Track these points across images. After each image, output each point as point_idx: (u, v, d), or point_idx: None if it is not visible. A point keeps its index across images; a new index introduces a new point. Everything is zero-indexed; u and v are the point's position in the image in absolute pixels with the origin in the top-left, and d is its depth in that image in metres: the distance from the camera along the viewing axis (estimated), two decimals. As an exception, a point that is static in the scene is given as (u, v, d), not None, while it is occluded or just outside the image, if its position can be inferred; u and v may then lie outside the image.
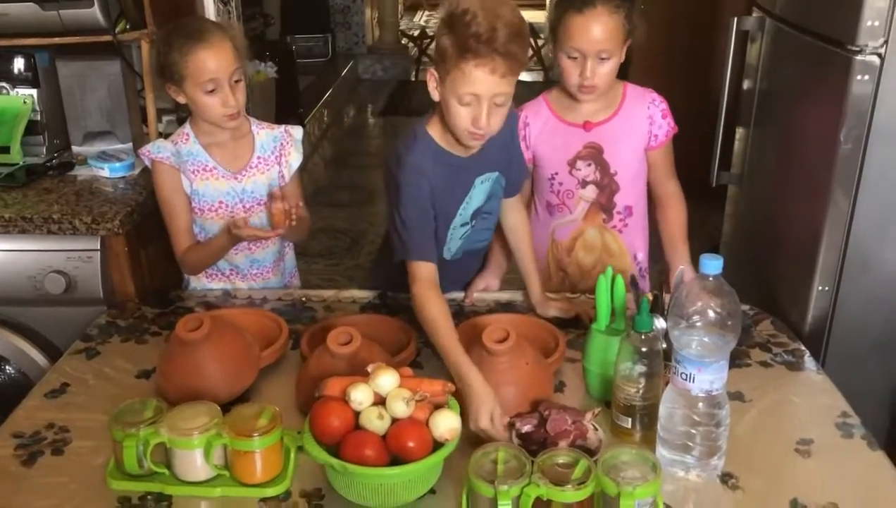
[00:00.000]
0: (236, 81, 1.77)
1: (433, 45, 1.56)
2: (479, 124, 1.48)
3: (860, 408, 1.45)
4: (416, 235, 1.57)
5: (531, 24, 8.69)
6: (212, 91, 1.75)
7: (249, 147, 1.88)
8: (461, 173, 1.65)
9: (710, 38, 2.46)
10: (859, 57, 1.73)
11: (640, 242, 1.96)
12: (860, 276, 1.82)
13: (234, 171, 1.86)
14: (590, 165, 1.86)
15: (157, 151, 1.83)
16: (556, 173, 1.89)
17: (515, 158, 1.77)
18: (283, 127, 1.93)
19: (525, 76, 7.73)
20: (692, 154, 1.84)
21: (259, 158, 1.88)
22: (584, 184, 1.88)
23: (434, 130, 1.61)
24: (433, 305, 1.50)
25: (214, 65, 1.73)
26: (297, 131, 1.93)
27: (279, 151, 1.89)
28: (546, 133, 1.88)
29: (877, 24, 1.71)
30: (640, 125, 1.85)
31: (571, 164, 1.86)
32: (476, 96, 1.46)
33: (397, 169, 1.58)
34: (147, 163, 1.87)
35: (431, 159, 1.58)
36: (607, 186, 1.87)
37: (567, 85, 1.79)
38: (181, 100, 1.80)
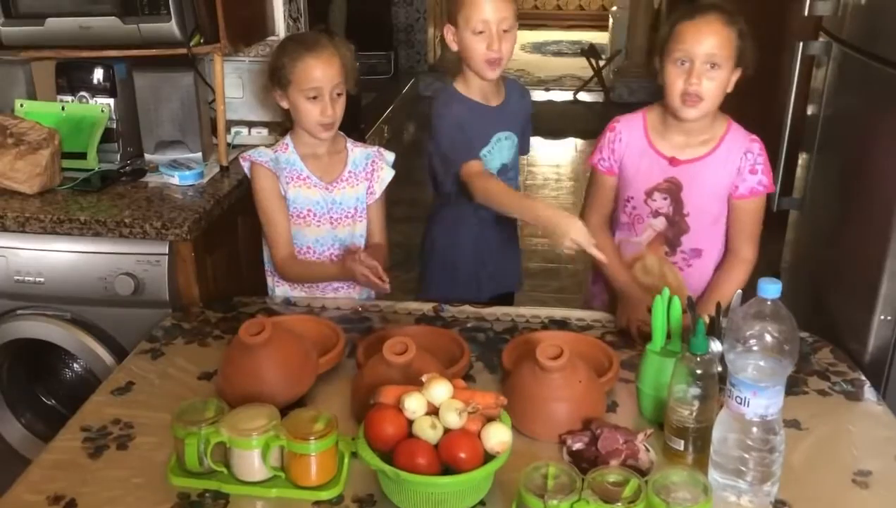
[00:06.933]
0: (338, 95, 1.88)
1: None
2: (493, 47, 1.85)
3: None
4: (458, 146, 1.88)
5: (592, 45, 8.59)
6: (313, 98, 1.85)
7: (343, 162, 1.99)
8: (482, 121, 1.95)
9: (775, 62, 2.43)
10: (929, 84, 1.70)
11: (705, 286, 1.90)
12: (924, 306, 1.78)
13: (327, 182, 1.94)
14: (666, 198, 1.84)
15: (258, 155, 1.93)
16: (632, 197, 1.88)
17: (527, 130, 2.13)
18: (376, 147, 2.06)
19: (585, 96, 7.72)
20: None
21: (350, 172, 1.98)
22: (655, 214, 1.87)
23: (459, 85, 1.96)
24: (490, 182, 1.85)
25: (320, 73, 1.84)
26: (390, 155, 2.05)
27: (371, 167, 2.00)
28: (635, 152, 1.86)
29: (948, 50, 1.68)
30: (728, 173, 1.80)
31: (648, 193, 1.85)
32: (486, 22, 1.83)
33: (432, 114, 1.95)
34: (245, 167, 1.95)
35: (457, 102, 1.94)
36: (677, 223, 1.85)
37: (670, 97, 1.73)
38: (284, 105, 1.91)
